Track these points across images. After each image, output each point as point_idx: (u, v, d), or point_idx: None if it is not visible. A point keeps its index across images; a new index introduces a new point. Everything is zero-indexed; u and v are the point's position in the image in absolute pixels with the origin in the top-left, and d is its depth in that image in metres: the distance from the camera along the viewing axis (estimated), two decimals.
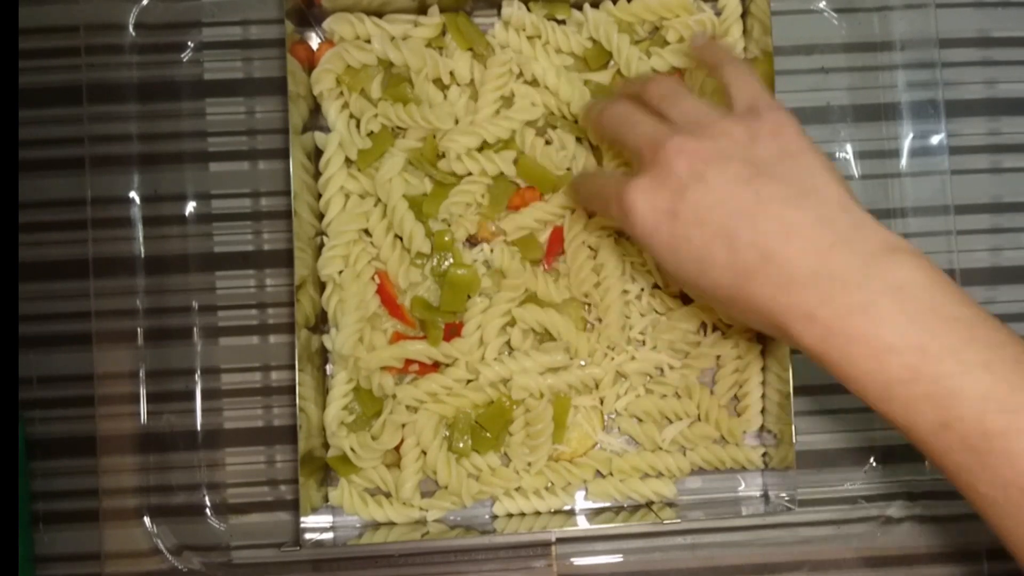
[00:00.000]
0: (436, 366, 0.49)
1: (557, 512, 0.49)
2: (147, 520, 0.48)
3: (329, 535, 0.48)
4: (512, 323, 0.49)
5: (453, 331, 0.49)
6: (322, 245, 0.49)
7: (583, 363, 0.49)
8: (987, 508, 0.33)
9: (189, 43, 0.51)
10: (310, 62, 0.50)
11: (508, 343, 0.49)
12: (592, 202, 0.43)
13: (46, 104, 0.51)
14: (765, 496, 0.50)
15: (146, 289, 0.49)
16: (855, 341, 0.33)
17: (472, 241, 0.50)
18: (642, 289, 0.49)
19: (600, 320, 0.49)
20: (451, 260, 0.48)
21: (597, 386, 0.49)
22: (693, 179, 0.35)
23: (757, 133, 0.36)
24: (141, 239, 0.49)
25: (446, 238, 0.48)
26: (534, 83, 0.49)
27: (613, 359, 0.49)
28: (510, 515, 0.49)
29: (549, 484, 0.49)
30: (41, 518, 0.49)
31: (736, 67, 0.40)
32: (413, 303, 0.49)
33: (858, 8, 0.51)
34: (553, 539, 0.48)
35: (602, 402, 0.49)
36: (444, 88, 0.50)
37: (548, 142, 0.50)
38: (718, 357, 0.50)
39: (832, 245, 0.33)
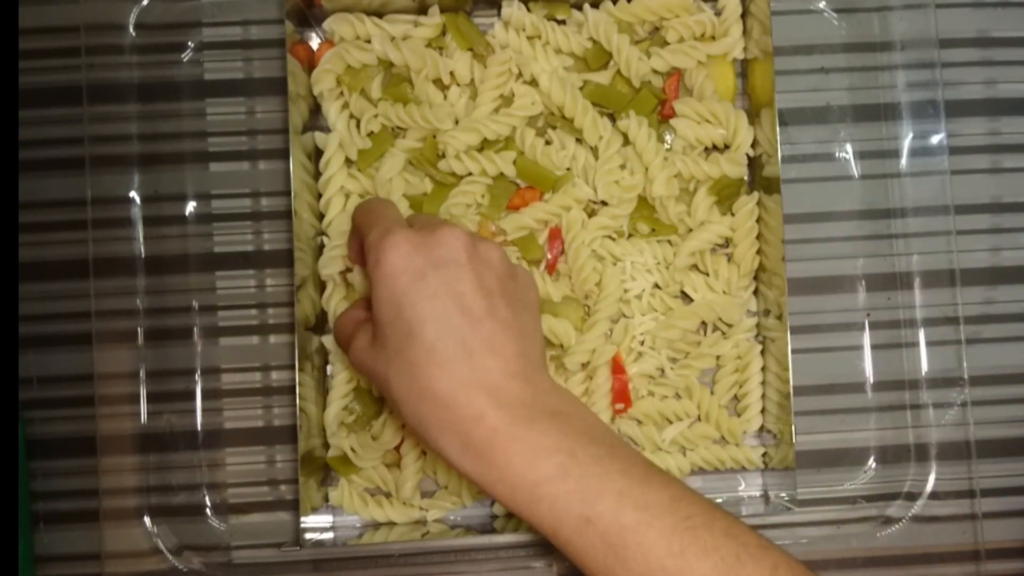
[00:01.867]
0: None
1: None
2: (147, 520, 0.48)
3: (329, 535, 0.48)
4: None
5: None
6: (322, 245, 0.49)
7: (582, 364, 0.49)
8: None
9: (189, 43, 0.51)
10: (310, 62, 0.50)
11: None
12: (361, 218, 0.43)
13: (46, 104, 0.51)
14: (765, 496, 0.50)
15: (146, 289, 0.49)
16: (516, 441, 0.35)
17: None
18: (643, 289, 0.49)
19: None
20: None
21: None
22: (453, 262, 0.38)
23: (513, 273, 0.41)
24: (141, 239, 0.49)
25: None
26: (533, 83, 0.49)
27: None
28: (510, 515, 0.49)
29: None
30: (41, 518, 0.49)
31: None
32: None
33: (858, 8, 0.51)
34: None
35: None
36: (444, 88, 0.50)
37: (548, 142, 0.50)
38: (718, 357, 0.50)
39: (517, 374, 0.37)
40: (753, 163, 0.51)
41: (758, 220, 0.49)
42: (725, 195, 0.49)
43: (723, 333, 0.50)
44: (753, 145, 0.49)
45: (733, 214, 0.49)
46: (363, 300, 0.46)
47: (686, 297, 0.50)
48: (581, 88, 0.49)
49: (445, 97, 0.50)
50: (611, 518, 0.35)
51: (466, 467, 0.36)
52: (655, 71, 0.50)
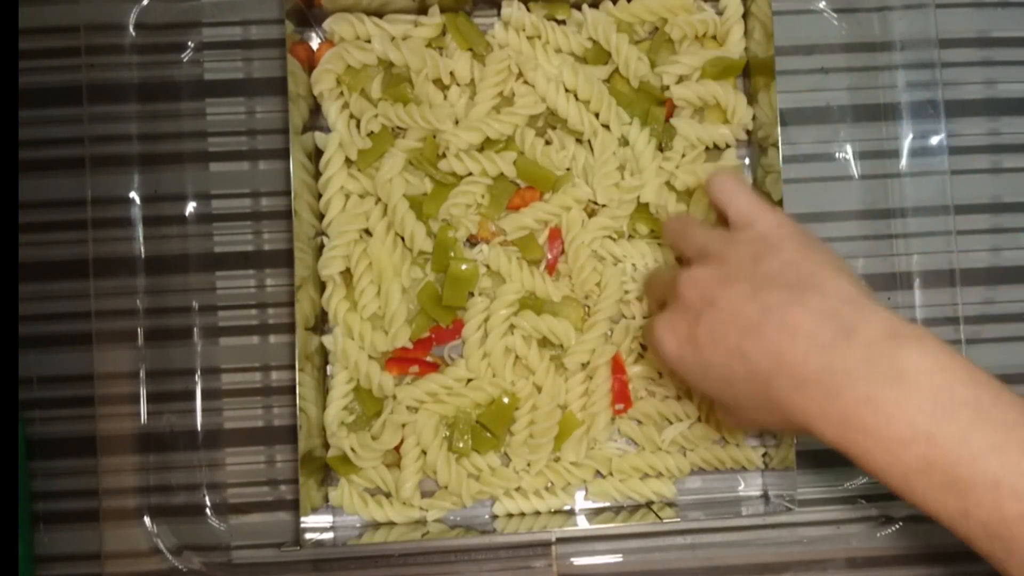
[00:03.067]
0: (436, 366, 0.49)
1: (557, 512, 0.49)
2: (147, 520, 0.48)
3: (329, 535, 0.48)
4: (512, 330, 0.49)
5: (452, 332, 0.49)
6: (322, 245, 0.49)
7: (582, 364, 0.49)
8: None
9: (189, 43, 0.51)
10: (310, 62, 0.50)
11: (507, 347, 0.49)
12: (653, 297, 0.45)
13: (46, 104, 0.51)
14: (765, 496, 0.50)
15: (146, 289, 0.49)
16: (868, 434, 0.33)
17: (472, 241, 0.50)
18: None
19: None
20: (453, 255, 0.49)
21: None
22: (705, 305, 0.37)
23: (757, 249, 0.38)
24: (141, 239, 0.49)
25: (449, 235, 0.48)
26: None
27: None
28: (510, 515, 0.49)
29: (549, 484, 0.49)
30: (41, 518, 0.49)
31: (726, 193, 0.41)
32: (421, 293, 0.48)
33: (858, 8, 0.51)
34: (553, 539, 0.48)
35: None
36: (444, 88, 0.50)
37: (548, 142, 0.50)
38: None
39: (834, 340, 0.34)
40: (754, 172, 0.51)
41: None
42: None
43: None
44: (752, 146, 0.49)
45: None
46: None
47: None
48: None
49: (445, 97, 0.50)
50: (991, 510, 0.31)
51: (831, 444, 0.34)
52: (665, 86, 0.50)
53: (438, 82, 0.49)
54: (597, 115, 0.49)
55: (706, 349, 0.37)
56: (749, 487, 0.50)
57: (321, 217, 0.49)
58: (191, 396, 0.50)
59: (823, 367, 0.34)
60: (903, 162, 0.50)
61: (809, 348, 0.34)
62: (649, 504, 0.49)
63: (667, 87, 0.50)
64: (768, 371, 0.35)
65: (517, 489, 0.49)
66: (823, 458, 0.50)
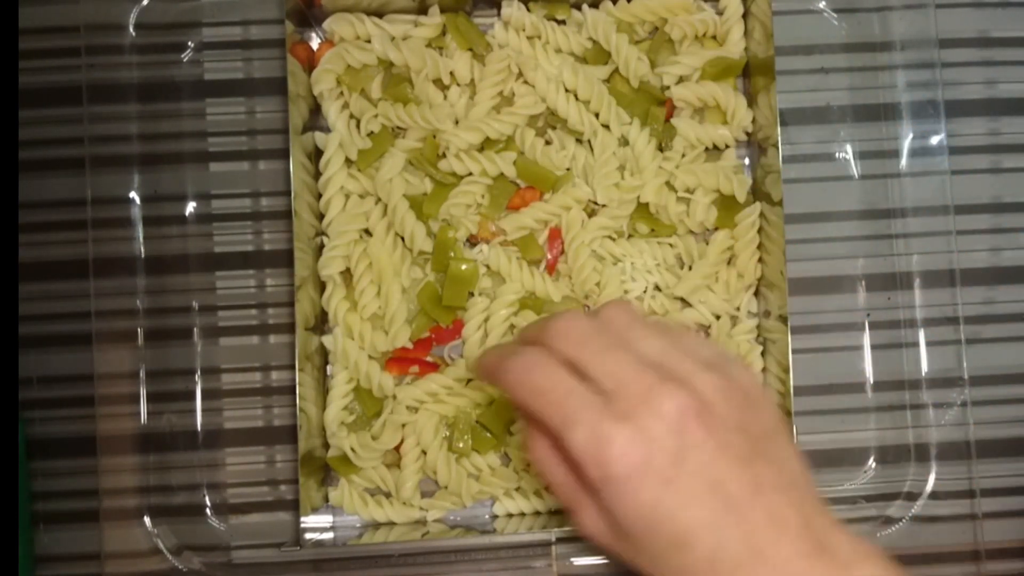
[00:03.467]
0: (436, 366, 0.49)
1: (557, 512, 0.49)
2: (147, 520, 0.48)
3: (329, 535, 0.48)
4: (512, 330, 0.49)
5: (452, 332, 0.49)
6: (322, 245, 0.49)
7: None
8: None
9: (189, 43, 0.51)
10: (310, 62, 0.50)
11: None
12: (530, 398, 0.33)
13: (46, 104, 0.51)
14: None
15: (146, 289, 0.49)
16: None
17: (472, 241, 0.50)
18: (644, 290, 0.49)
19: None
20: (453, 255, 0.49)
21: None
22: (692, 446, 0.31)
23: (740, 400, 0.32)
24: (141, 239, 0.49)
25: (449, 235, 0.48)
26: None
27: None
28: (510, 515, 0.49)
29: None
30: (41, 518, 0.49)
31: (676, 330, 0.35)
32: (421, 293, 0.48)
33: (858, 8, 0.51)
34: (553, 539, 0.48)
35: None
36: (444, 88, 0.50)
37: (548, 142, 0.50)
38: None
39: (812, 552, 0.30)
40: (754, 173, 0.51)
41: (759, 230, 0.49)
42: (727, 207, 0.49)
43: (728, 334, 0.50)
44: (752, 147, 0.49)
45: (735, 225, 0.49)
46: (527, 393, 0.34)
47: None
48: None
49: (445, 97, 0.50)
50: None
51: None
52: (665, 86, 0.50)
53: (438, 82, 0.49)
54: (597, 115, 0.49)
55: (678, 498, 0.30)
56: None
57: (321, 217, 0.49)
58: (191, 396, 0.50)
59: None
60: (903, 162, 0.50)
61: (790, 555, 0.30)
62: None
63: (667, 87, 0.50)
64: (740, 560, 0.30)
65: (517, 489, 0.49)
66: (823, 458, 0.50)
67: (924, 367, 0.49)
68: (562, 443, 0.32)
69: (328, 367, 0.50)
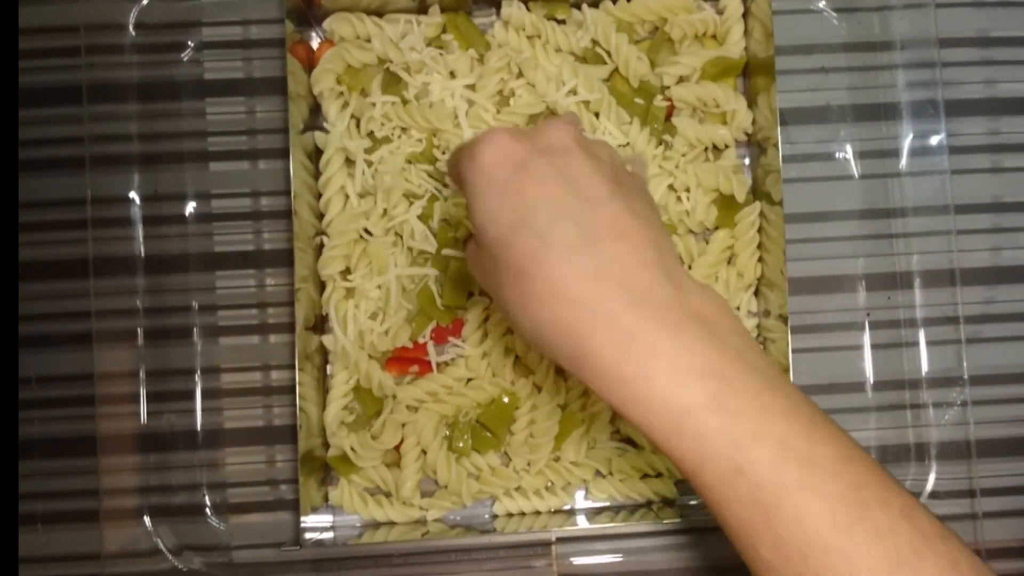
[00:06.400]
0: (436, 365, 0.49)
1: (557, 512, 0.49)
2: (147, 520, 0.48)
3: (329, 535, 0.48)
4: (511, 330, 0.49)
5: (452, 332, 0.49)
6: (322, 245, 0.49)
7: None
8: (764, 574, 0.29)
9: (189, 43, 0.51)
10: (310, 62, 0.50)
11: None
12: (455, 154, 0.36)
13: (46, 104, 0.51)
14: None
15: (146, 289, 0.49)
16: (657, 354, 0.29)
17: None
18: None
19: None
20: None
21: None
22: (562, 149, 0.33)
23: (629, 174, 0.35)
24: (141, 239, 0.49)
25: (449, 235, 0.48)
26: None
27: None
28: (510, 515, 0.49)
29: (549, 484, 0.49)
30: (40, 518, 0.49)
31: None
32: (420, 293, 0.48)
33: (858, 8, 0.51)
34: (553, 539, 0.48)
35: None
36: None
37: None
38: None
39: (654, 264, 0.31)
40: (754, 172, 0.51)
41: (759, 230, 0.49)
42: (727, 207, 0.49)
43: None
44: (752, 146, 0.49)
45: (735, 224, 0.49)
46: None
47: None
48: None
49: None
50: (767, 471, 0.28)
51: (594, 379, 0.30)
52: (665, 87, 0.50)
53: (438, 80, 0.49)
54: (597, 115, 0.49)
55: (528, 183, 0.31)
56: None
57: (321, 217, 0.49)
58: (191, 396, 0.50)
59: (635, 280, 0.30)
60: (903, 162, 0.50)
61: (627, 254, 0.31)
62: (649, 504, 0.49)
63: (667, 87, 0.50)
64: (573, 243, 0.30)
65: (517, 489, 0.49)
66: None
67: (924, 367, 0.49)
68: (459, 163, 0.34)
69: (328, 367, 0.50)
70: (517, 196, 0.31)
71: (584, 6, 0.49)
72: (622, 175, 0.34)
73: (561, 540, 0.48)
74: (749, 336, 0.31)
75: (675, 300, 0.30)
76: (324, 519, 0.49)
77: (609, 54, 0.49)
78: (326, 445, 0.49)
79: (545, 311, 0.31)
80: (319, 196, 0.49)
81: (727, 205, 0.49)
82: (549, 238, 0.30)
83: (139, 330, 0.49)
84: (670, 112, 0.50)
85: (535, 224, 0.31)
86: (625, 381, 0.29)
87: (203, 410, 0.50)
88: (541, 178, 0.32)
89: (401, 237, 0.49)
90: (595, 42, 0.49)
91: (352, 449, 0.48)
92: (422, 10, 0.50)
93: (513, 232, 0.31)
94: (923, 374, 0.49)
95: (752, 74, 0.50)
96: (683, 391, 0.29)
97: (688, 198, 0.49)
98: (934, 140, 0.50)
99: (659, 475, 0.49)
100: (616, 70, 0.50)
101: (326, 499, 0.49)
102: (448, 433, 0.49)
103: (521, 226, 0.31)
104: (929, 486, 0.49)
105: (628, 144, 0.49)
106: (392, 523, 0.49)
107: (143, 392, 0.49)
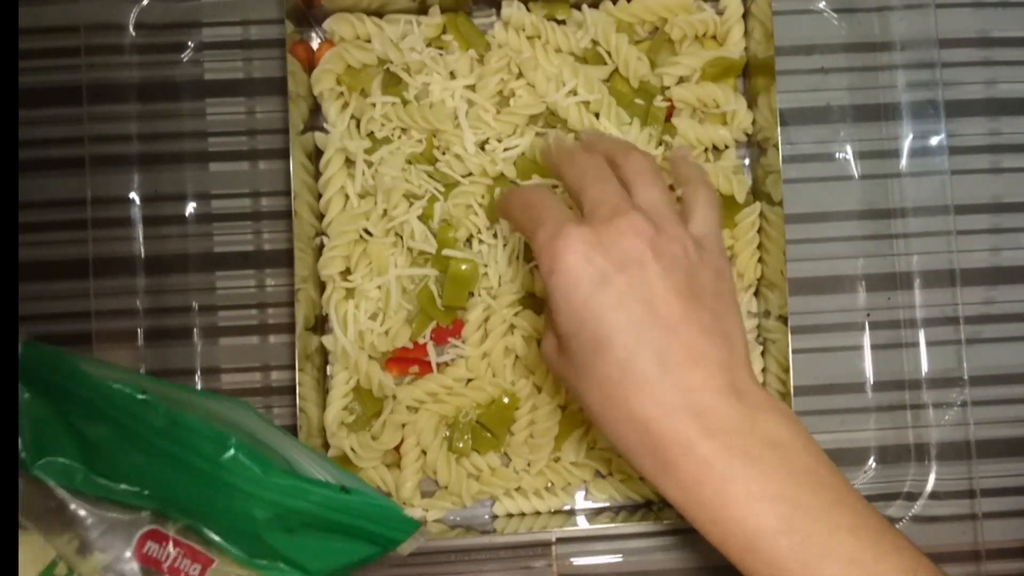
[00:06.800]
0: (436, 366, 0.49)
1: (557, 512, 0.49)
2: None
3: None
4: (512, 330, 0.49)
5: (452, 332, 0.49)
6: (322, 245, 0.49)
7: None
8: None
9: (189, 43, 0.51)
10: (310, 62, 0.50)
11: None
12: (519, 213, 0.38)
13: (46, 104, 0.51)
14: None
15: (146, 289, 0.49)
16: (731, 481, 0.31)
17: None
18: None
19: None
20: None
21: None
22: (636, 262, 0.33)
23: (703, 263, 0.35)
24: (141, 239, 0.49)
25: (449, 235, 0.48)
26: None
27: None
28: (510, 515, 0.49)
29: (549, 484, 0.49)
30: None
31: (704, 193, 0.39)
32: (421, 293, 0.48)
33: (858, 8, 0.51)
34: (553, 539, 0.48)
35: None
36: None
37: None
38: None
39: (724, 388, 0.33)
40: (754, 173, 0.51)
41: (759, 230, 0.49)
42: (727, 207, 0.49)
43: None
44: (752, 147, 0.49)
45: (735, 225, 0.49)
46: None
47: None
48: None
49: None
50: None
51: (673, 497, 0.33)
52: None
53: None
54: (597, 115, 0.49)
55: (607, 299, 0.32)
56: None
57: (321, 217, 0.49)
58: None
59: (708, 407, 0.32)
60: (903, 162, 0.50)
61: (704, 382, 0.32)
62: (649, 504, 0.49)
63: (667, 88, 0.50)
64: (649, 373, 0.32)
65: (517, 489, 0.49)
66: None
67: (924, 367, 0.49)
68: (532, 245, 0.35)
69: (328, 367, 0.50)
70: (596, 322, 0.33)
71: (584, 6, 0.49)
72: (700, 278, 0.34)
73: (561, 540, 0.48)
74: (819, 451, 0.33)
75: (746, 426, 0.32)
76: None
77: (609, 54, 0.49)
78: (326, 445, 0.49)
79: (625, 429, 0.33)
80: (319, 196, 0.49)
81: (727, 205, 0.49)
82: (628, 370, 0.32)
83: (139, 330, 0.49)
84: (670, 112, 0.50)
85: (614, 352, 0.32)
86: (703, 506, 0.32)
87: None
88: (619, 300, 0.33)
89: (401, 237, 0.49)
90: (595, 42, 0.49)
91: (352, 449, 0.48)
92: (422, 10, 0.50)
93: (594, 356, 0.33)
94: (923, 374, 0.49)
95: (752, 74, 0.50)
96: (757, 515, 0.31)
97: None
98: (934, 140, 0.50)
99: None
100: (616, 70, 0.50)
101: None
102: (448, 433, 0.49)
103: (601, 352, 0.33)
104: (929, 486, 0.49)
105: None
106: None
107: None
